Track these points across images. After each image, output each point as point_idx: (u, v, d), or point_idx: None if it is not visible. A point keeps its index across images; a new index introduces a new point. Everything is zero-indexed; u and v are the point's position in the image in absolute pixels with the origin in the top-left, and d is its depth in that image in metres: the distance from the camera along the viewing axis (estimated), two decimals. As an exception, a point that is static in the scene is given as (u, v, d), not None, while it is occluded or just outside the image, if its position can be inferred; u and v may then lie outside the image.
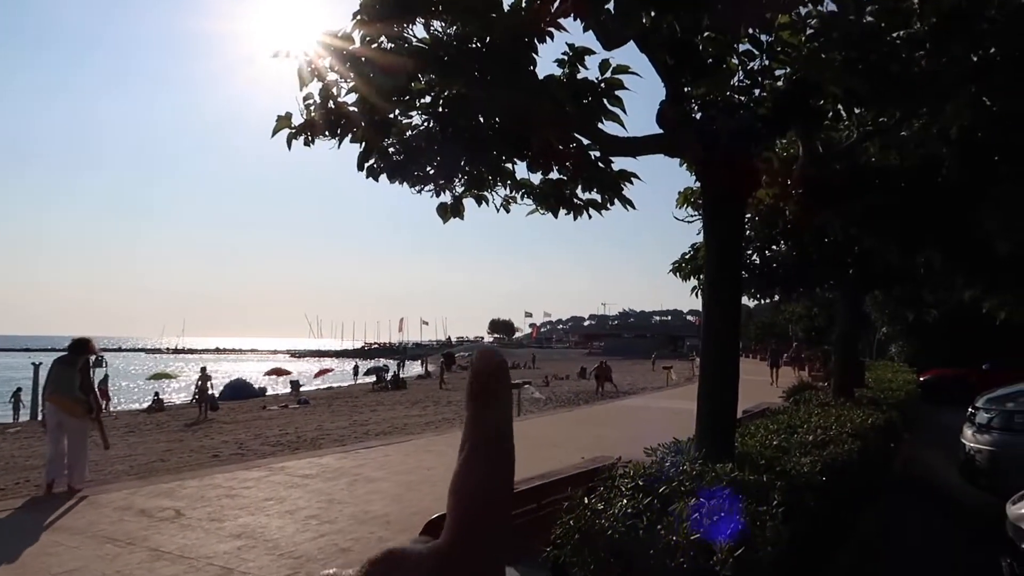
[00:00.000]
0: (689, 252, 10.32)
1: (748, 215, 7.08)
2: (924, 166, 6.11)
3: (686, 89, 4.50)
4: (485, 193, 5.74)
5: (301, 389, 47.29)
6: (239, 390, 44.57)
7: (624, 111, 4.94)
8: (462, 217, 5.75)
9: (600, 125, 4.92)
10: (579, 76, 4.83)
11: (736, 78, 4.51)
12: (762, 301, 11.27)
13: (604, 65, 4.73)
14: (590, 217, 5.56)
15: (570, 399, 31.51)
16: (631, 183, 5.35)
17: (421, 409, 30.24)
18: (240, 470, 11.33)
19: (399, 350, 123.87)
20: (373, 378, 51.20)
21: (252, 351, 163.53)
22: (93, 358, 10.92)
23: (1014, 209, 5.40)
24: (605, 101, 4.88)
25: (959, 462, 8.49)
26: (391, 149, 4.92)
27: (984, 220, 5.60)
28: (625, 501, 3.31)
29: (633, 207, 5.39)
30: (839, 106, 4.54)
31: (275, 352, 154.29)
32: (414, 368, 76.16)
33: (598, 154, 5.22)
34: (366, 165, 4.76)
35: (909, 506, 7.99)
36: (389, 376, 50.39)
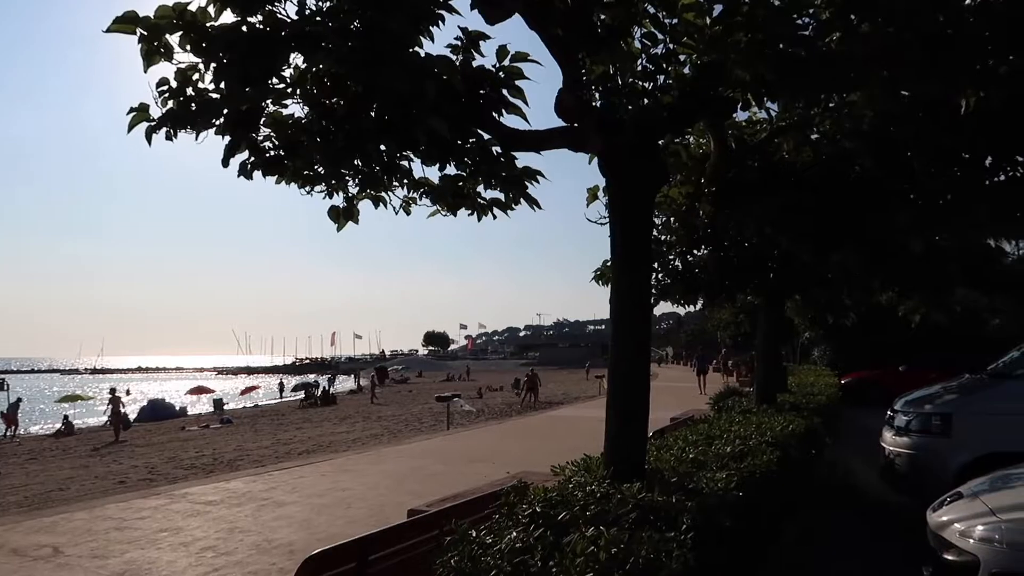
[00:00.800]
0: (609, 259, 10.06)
1: (665, 217, 6.84)
2: (837, 162, 5.96)
3: (584, 74, 4.17)
4: (382, 194, 5.30)
5: (225, 408, 45.70)
6: (158, 411, 42.74)
7: (526, 102, 4.58)
8: (356, 221, 5.30)
9: (499, 117, 4.56)
10: (475, 64, 4.46)
11: (639, 63, 4.21)
12: (686, 308, 11.12)
13: (502, 52, 4.37)
14: (494, 217, 5.17)
15: (502, 411, 31.12)
16: (537, 181, 4.98)
17: (349, 425, 29.39)
18: (138, 498, 10.51)
19: (331, 364, 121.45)
20: (302, 394, 49.91)
21: (177, 369, 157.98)
22: None
23: (927, 205, 5.28)
24: (505, 92, 4.53)
25: (880, 466, 8.42)
26: (267, 143, 4.43)
27: (897, 217, 5.46)
28: (516, 533, 2.91)
29: (539, 207, 5.03)
30: (748, 96, 4.28)
31: (201, 370, 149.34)
32: (348, 383, 74.65)
33: (499, 149, 4.84)
34: (239, 162, 4.26)
35: (832, 515, 7.84)
36: (318, 392, 49.11)
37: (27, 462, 23.09)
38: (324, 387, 50.93)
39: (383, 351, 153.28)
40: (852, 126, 5.34)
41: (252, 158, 4.33)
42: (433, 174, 4.98)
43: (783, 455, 5.33)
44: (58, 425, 34.29)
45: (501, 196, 5.06)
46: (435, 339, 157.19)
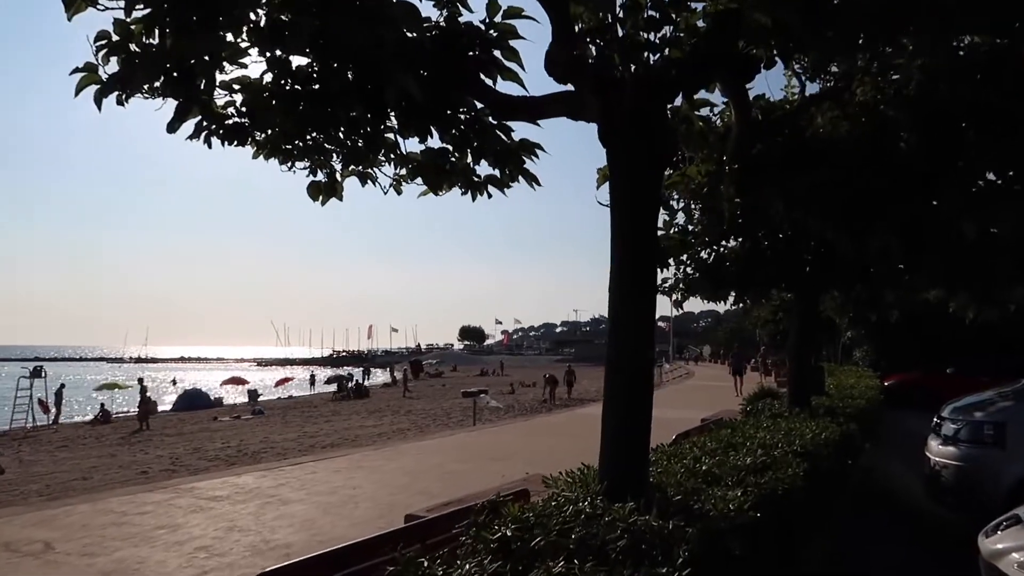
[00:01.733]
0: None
1: (686, 202, 6.24)
2: (877, 134, 5.29)
3: (578, 25, 3.63)
4: (370, 171, 4.84)
5: (259, 399, 45.97)
6: (193, 400, 43.13)
7: (522, 66, 4.06)
8: (340, 198, 4.85)
9: (494, 84, 4.05)
10: (462, 20, 3.95)
11: (643, 13, 3.65)
12: (717, 303, 10.47)
13: (492, 7, 3.85)
14: (489, 196, 4.66)
15: (532, 408, 30.65)
16: (535, 155, 4.46)
17: (377, 419, 29.19)
18: (144, 492, 10.25)
19: (367, 357, 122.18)
20: (335, 387, 49.99)
21: (218, 360, 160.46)
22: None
23: (981, 184, 4.61)
24: (498, 54, 4.01)
25: (924, 477, 7.72)
26: (230, 109, 3.99)
27: (946, 198, 4.79)
28: (469, 566, 2.40)
29: (538, 183, 4.51)
30: (773, 51, 3.70)
31: (241, 360, 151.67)
32: (383, 376, 74.87)
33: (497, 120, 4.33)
34: (194, 124, 3.82)
35: (868, 532, 7.17)
36: (351, 385, 49.12)
37: (58, 449, 23.30)
38: (357, 380, 50.85)
39: (419, 345, 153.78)
40: (895, 90, 4.69)
41: (210, 124, 3.88)
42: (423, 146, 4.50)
43: (812, 467, 4.73)
44: (95, 413, 34.64)
45: (496, 172, 4.55)
46: (470, 334, 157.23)
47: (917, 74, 4.35)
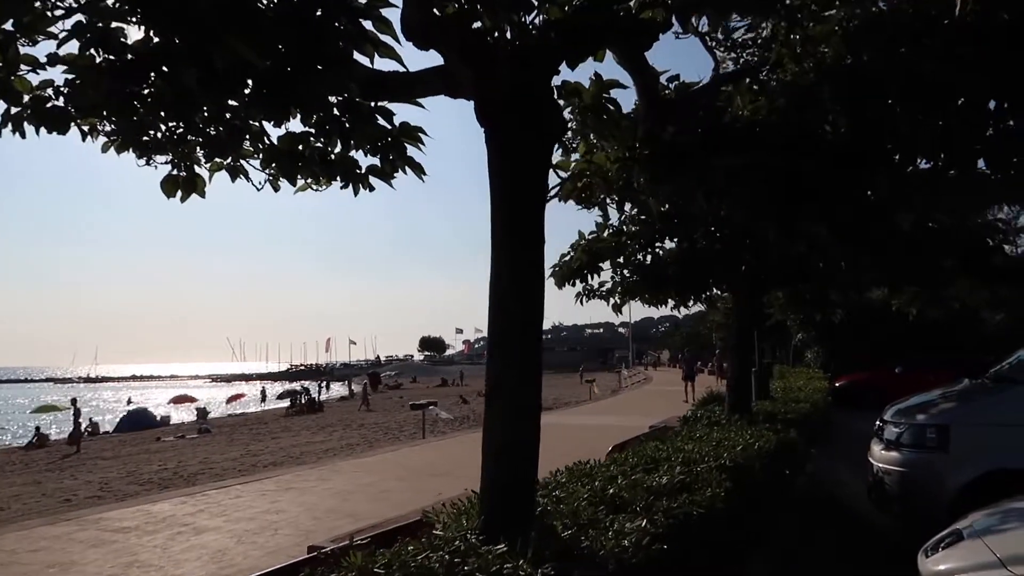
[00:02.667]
0: (568, 253, 9.03)
1: (603, 195, 5.78)
2: (800, 113, 4.86)
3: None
4: (241, 164, 4.28)
5: (209, 416, 44.62)
6: (138, 420, 41.58)
7: (396, 38, 3.55)
8: (201, 194, 4.28)
9: (364, 59, 3.52)
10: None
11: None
12: (658, 306, 10.07)
13: (353, -30, 3.33)
14: (371, 189, 4.14)
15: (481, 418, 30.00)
16: (421, 143, 3.95)
17: (327, 434, 28.31)
18: (44, 525, 9.44)
19: (325, 371, 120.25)
20: (287, 402, 48.78)
21: (172, 377, 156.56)
22: None
23: (913, 166, 4.23)
24: (369, 25, 3.49)
25: (868, 485, 7.36)
26: (48, 91, 3.40)
27: (878, 184, 4.41)
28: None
29: (423, 173, 4.00)
30: (671, 14, 3.27)
31: (196, 377, 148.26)
32: (341, 389, 73.67)
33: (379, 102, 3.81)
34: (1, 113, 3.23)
35: (806, 548, 6.75)
36: (305, 399, 47.96)
37: (-19, 477, 22.01)
38: (311, 394, 49.66)
39: (378, 357, 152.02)
40: (815, 63, 4.28)
41: (22, 110, 3.29)
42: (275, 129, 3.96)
43: (737, 484, 4.28)
44: (31, 437, 33.05)
45: (377, 162, 4.03)
46: (431, 344, 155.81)
47: (838, 43, 3.94)
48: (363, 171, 4.09)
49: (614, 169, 4.91)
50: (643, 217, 7.67)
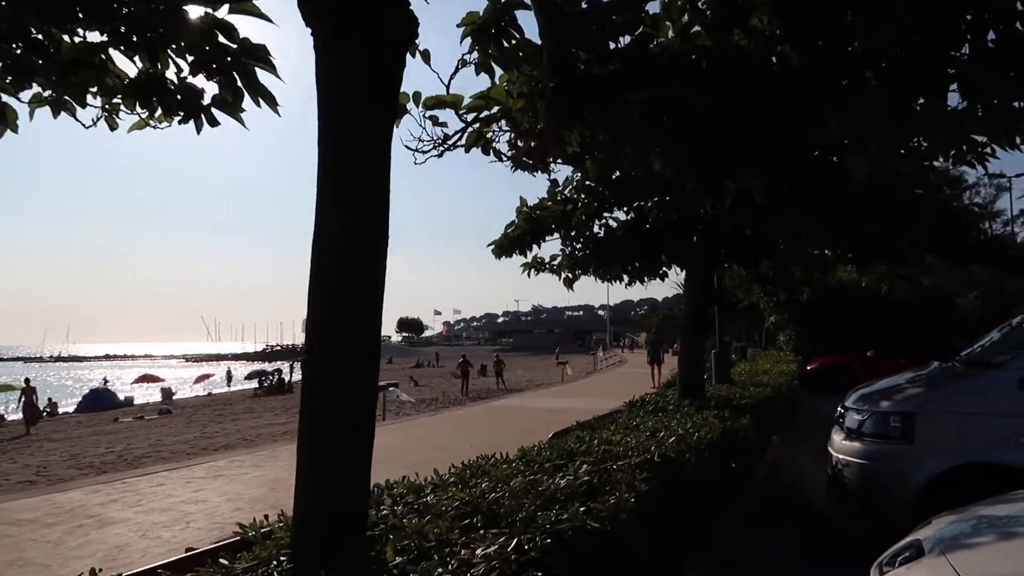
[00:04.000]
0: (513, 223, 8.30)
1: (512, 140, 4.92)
2: (729, 35, 4.09)
3: None
4: (67, 98, 3.49)
5: (175, 397, 43.64)
6: (99, 400, 40.55)
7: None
8: (14, 129, 3.47)
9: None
10: None
11: None
12: (611, 282, 9.35)
13: None
14: (214, 124, 3.36)
15: (450, 400, 29.46)
16: (271, 67, 3.17)
17: (290, 416, 27.51)
18: (-63, 517, 8.63)
19: (301, 351, 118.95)
20: (255, 383, 47.83)
21: (146, 356, 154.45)
22: None
23: (875, 100, 3.46)
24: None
25: (826, 477, 6.72)
26: None
27: (826, 121, 3.63)
28: None
29: (276, 104, 3.23)
30: None
31: (170, 357, 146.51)
32: (312, 370, 72.55)
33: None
34: None
35: (749, 554, 6.08)
36: (273, 380, 47.07)
37: (-82, 460, 20.99)
38: (280, 375, 48.70)
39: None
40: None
41: None
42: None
43: (662, 485, 3.58)
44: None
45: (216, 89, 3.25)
46: (409, 325, 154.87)
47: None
48: (197, 101, 3.31)
49: (517, 107, 4.15)
50: (588, 183, 6.95)
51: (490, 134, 4.45)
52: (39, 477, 16.06)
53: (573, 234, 8.51)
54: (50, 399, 39.27)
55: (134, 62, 3.00)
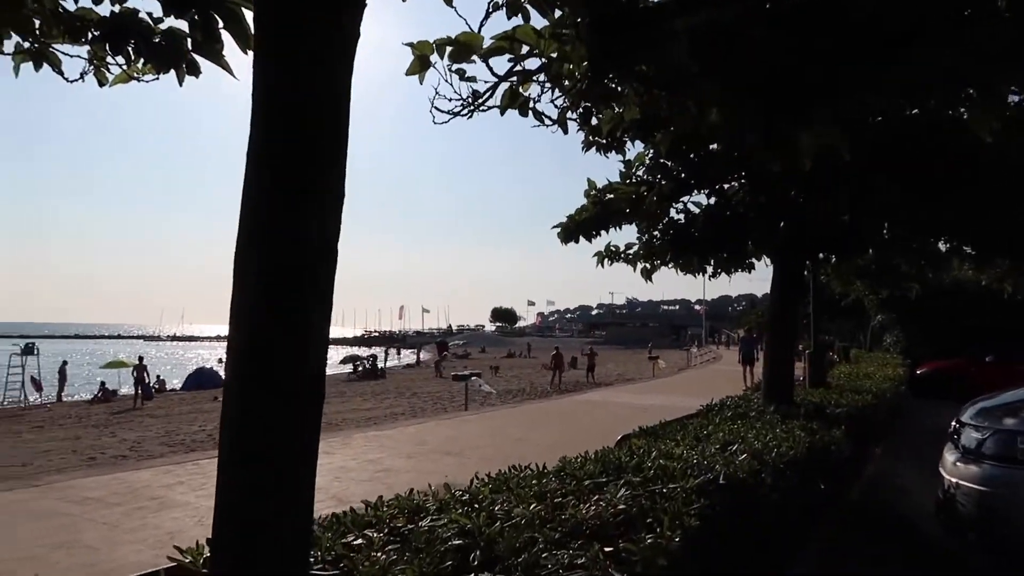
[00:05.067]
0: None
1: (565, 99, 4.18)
2: None
3: None
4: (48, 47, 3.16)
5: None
6: (202, 379, 42.22)
7: None
8: None
9: None
10: None
11: None
12: (695, 275, 8.57)
13: None
14: (198, 73, 2.93)
15: (537, 392, 29.06)
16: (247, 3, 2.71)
17: (378, 401, 27.82)
18: (19, 488, 8.82)
19: (398, 338, 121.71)
20: (350, 367, 48.93)
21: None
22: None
23: (1005, 33, 2.63)
24: None
25: (937, 502, 5.80)
26: None
27: (940, 59, 2.78)
28: None
29: (250, 48, 2.77)
30: None
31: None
32: (412, 357, 74.48)
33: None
34: None
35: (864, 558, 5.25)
36: (368, 365, 47.99)
37: (32, 429, 22.23)
38: (375, 361, 49.62)
39: (450, 326, 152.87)
40: None
41: None
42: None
43: (722, 515, 2.92)
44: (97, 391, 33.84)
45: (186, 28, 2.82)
46: (502, 315, 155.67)
47: None
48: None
49: (550, 50, 3.50)
50: (661, 160, 6.24)
51: (528, 91, 3.86)
52: (131, 452, 16.64)
53: (648, 220, 7.81)
54: (159, 376, 41.28)
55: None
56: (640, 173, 7.35)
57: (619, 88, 4.11)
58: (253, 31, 2.11)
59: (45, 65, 3.23)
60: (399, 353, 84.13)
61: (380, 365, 49.81)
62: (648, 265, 8.26)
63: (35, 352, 31.72)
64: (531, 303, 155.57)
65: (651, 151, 6.42)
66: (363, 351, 66.76)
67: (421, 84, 3.55)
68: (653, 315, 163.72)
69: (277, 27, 2.01)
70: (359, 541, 2.39)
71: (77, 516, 7.47)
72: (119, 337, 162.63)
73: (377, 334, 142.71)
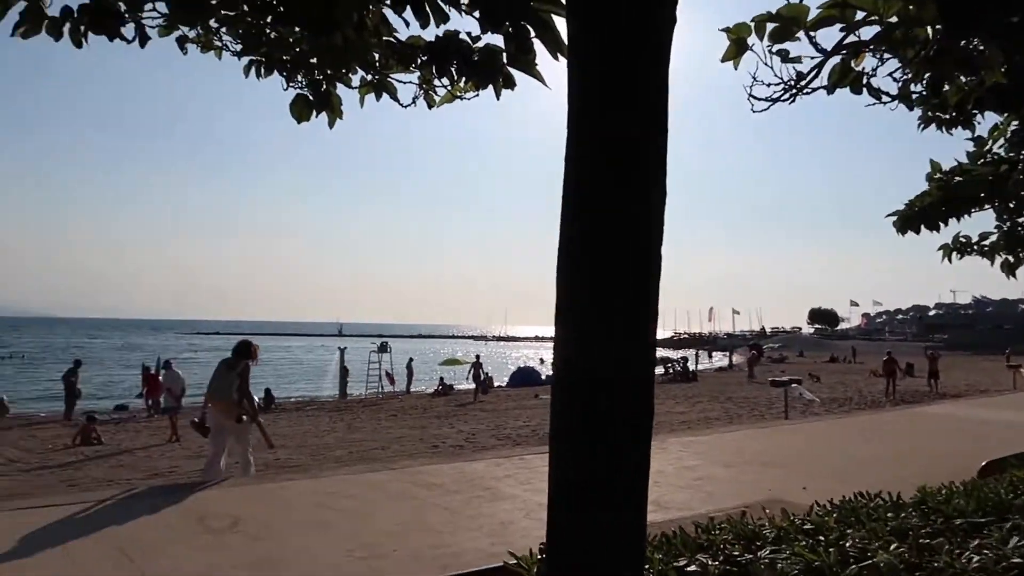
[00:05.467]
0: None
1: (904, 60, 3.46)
2: None
3: None
4: (389, 81, 3.56)
5: (587, 378, 46.78)
6: (525, 377, 45.34)
7: None
8: (339, 114, 3.61)
9: None
10: None
11: None
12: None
13: None
14: (512, 86, 3.04)
15: (866, 401, 26.41)
16: (561, 8, 2.74)
17: (690, 405, 27.50)
18: (368, 472, 10.21)
19: (708, 340, 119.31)
20: (660, 369, 49.08)
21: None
22: (252, 361, 10.36)
23: None
24: None
25: None
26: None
27: None
28: None
29: (562, 54, 2.78)
30: None
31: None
32: (723, 360, 72.98)
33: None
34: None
35: None
36: (679, 367, 47.66)
37: (388, 417, 25.62)
38: (685, 363, 49.17)
39: (763, 328, 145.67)
40: None
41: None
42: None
43: None
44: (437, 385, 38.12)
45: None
46: (821, 316, 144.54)
47: None
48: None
49: (890, 12, 2.92)
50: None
51: (861, 65, 3.37)
52: (467, 443, 18.33)
53: (1012, 204, 6.60)
54: (486, 374, 45.21)
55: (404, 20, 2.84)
56: (998, 149, 6.25)
57: (980, 49, 3.48)
58: (566, 35, 2.11)
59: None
60: (710, 356, 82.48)
61: (691, 367, 49.19)
62: (1011, 258, 7.01)
63: (388, 350, 36.62)
64: (854, 303, 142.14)
65: (1014, 122, 5.36)
66: (673, 353, 66.61)
67: (736, 70, 3.31)
68: (1009, 316, 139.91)
69: (591, 23, 1.98)
70: (692, 568, 2.26)
71: (424, 500, 8.36)
72: (452, 337, 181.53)
73: (687, 336, 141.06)
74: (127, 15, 3.10)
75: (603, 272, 1.99)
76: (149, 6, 3.10)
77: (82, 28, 3.04)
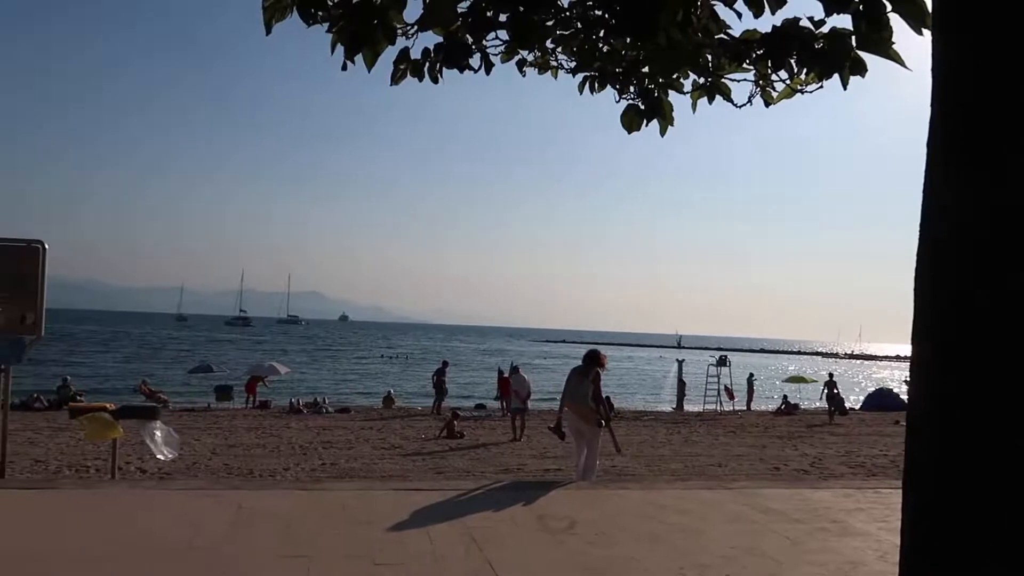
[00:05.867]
0: None
1: None
2: None
3: None
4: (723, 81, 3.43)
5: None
6: (882, 399, 40.66)
7: None
8: (671, 121, 3.53)
9: None
10: None
11: None
12: None
13: None
14: (864, 71, 2.63)
15: None
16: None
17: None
18: (703, 489, 9.83)
19: None
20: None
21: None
22: (602, 369, 10.83)
23: None
24: None
25: None
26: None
27: None
28: None
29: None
30: None
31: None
32: None
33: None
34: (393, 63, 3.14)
35: None
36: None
37: (726, 433, 24.64)
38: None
39: None
40: None
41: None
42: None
43: None
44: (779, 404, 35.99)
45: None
46: None
47: None
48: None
49: None
50: None
51: None
52: (812, 468, 17.02)
53: None
54: (837, 393, 41.50)
55: (735, 12, 2.58)
56: None
57: None
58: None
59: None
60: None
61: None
62: None
63: (727, 364, 35.52)
64: None
65: None
66: None
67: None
68: None
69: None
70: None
71: (761, 525, 7.82)
72: (798, 353, 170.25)
73: None
74: (473, 47, 3.34)
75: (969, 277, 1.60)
76: (492, 35, 3.31)
77: (437, 65, 3.36)
